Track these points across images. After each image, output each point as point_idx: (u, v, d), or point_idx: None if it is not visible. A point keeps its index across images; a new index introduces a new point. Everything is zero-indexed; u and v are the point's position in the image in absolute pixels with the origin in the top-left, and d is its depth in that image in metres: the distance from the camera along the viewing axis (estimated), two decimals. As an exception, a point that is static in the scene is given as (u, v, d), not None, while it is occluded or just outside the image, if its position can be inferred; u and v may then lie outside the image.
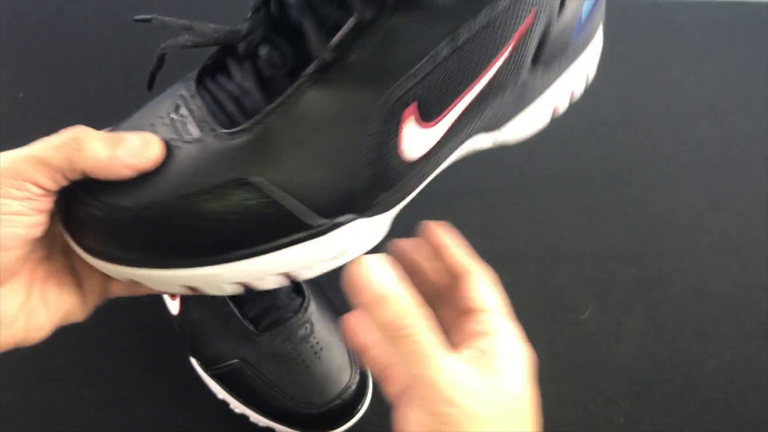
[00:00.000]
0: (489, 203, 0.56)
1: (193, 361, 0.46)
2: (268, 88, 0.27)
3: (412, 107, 0.27)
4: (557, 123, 0.61)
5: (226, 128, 0.27)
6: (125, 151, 0.26)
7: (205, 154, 0.26)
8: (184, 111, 0.28)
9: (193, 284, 0.28)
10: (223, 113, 0.27)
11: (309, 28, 0.26)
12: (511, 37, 0.27)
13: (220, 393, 0.45)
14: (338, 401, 0.43)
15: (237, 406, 0.45)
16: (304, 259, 0.28)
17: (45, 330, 0.29)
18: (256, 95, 0.27)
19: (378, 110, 0.27)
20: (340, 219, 0.28)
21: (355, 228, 0.29)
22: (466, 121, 0.30)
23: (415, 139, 0.28)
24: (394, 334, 0.25)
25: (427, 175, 0.31)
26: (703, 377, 0.49)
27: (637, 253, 0.55)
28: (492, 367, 0.26)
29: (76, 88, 0.61)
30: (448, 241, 0.30)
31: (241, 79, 0.28)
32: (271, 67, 0.27)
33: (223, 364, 0.44)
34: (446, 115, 0.28)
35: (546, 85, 0.32)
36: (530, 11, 0.27)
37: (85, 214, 0.27)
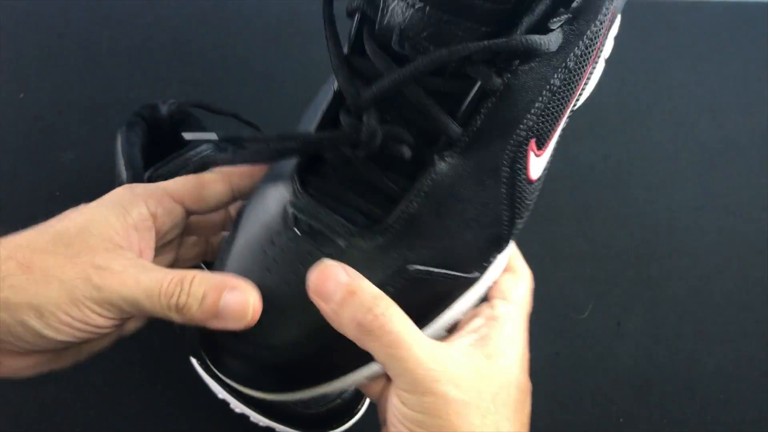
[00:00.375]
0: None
1: (193, 361, 0.46)
2: (396, 173, 0.27)
3: (532, 141, 0.27)
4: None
5: (362, 227, 0.26)
6: (223, 317, 0.25)
7: (355, 261, 0.25)
8: (305, 222, 0.26)
9: (371, 372, 0.28)
10: (354, 211, 0.27)
11: (430, 109, 0.25)
12: (599, 39, 0.28)
13: (220, 393, 0.45)
14: (338, 401, 0.43)
15: (237, 406, 0.45)
16: (465, 308, 0.29)
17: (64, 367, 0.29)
18: (384, 186, 0.27)
19: (506, 156, 0.27)
20: (488, 263, 0.29)
21: (496, 263, 0.29)
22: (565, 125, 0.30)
23: (537, 165, 0.28)
24: (364, 328, 0.24)
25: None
26: (703, 377, 0.49)
27: (637, 253, 0.54)
28: (487, 351, 0.26)
29: (76, 88, 0.60)
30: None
31: (357, 175, 0.27)
32: (396, 156, 0.26)
33: (223, 364, 0.44)
34: (556, 133, 0.29)
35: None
36: (610, 11, 0.27)
37: (234, 357, 0.27)
